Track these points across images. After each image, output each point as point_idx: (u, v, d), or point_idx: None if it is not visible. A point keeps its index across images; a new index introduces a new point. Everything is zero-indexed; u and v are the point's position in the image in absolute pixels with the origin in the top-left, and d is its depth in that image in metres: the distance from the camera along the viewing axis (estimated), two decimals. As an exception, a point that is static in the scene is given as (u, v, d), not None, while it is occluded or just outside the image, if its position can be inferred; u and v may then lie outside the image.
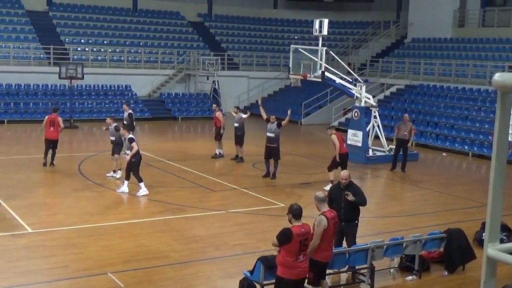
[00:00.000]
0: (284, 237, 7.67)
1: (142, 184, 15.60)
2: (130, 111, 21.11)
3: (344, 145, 17.37)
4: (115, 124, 17.58)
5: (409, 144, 20.28)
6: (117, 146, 17.51)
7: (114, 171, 17.70)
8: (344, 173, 10.46)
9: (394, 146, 21.93)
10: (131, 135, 15.72)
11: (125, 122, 20.69)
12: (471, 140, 25.03)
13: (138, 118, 31.31)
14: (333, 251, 9.34)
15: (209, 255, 11.29)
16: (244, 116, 21.19)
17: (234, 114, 21.27)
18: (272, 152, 18.17)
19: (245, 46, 40.74)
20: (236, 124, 20.91)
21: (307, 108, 33.60)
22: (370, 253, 9.89)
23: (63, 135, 24.58)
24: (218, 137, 21.29)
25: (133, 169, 15.52)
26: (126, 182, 15.76)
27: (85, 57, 33.75)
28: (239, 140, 20.80)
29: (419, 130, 27.16)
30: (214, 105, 22.59)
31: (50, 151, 18.59)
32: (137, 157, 15.48)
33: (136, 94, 33.93)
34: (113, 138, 17.57)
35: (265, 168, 18.50)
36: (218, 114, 21.44)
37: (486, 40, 33.16)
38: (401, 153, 20.23)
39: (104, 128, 18.71)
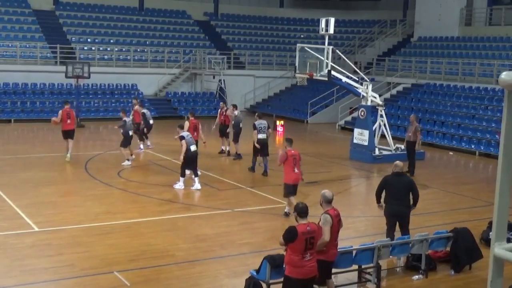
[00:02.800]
0: (289, 235, 7.67)
1: (182, 179, 16.25)
2: (144, 110, 21.95)
3: (195, 133, 18.36)
4: (124, 118, 19.31)
5: (416, 147, 19.51)
6: (124, 139, 19.23)
7: (128, 159, 19.19)
8: (399, 162, 11.25)
9: (400, 145, 22.00)
10: (182, 133, 16.15)
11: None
12: (478, 139, 24.94)
13: (144, 117, 31.38)
14: (340, 249, 9.34)
15: (215, 254, 11.30)
16: (236, 113, 21.62)
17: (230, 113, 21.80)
18: None
19: (251, 45, 40.74)
20: (232, 122, 21.37)
21: (313, 107, 33.57)
22: (377, 252, 9.88)
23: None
24: (228, 134, 21.82)
25: (182, 164, 16.12)
26: (181, 179, 16.37)
27: (91, 56, 33.83)
28: (233, 136, 21.27)
29: (426, 129, 27.11)
30: (222, 104, 22.86)
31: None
32: (187, 154, 15.88)
33: (143, 93, 33.97)
34: (121, 131, 19.32)
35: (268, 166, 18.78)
36: (228, 112, 21.86)
37: (493, 39, 33.04)
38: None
39: (116, 127, 20.24)
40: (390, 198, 10.91)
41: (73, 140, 19.73)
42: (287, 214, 13.73)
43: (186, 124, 18.42)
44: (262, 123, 18.92)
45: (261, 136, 18.67)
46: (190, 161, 16.10)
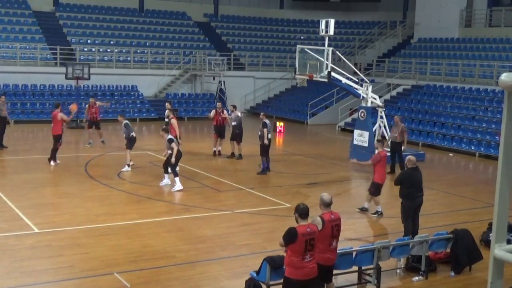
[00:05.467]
0: (289, 236, 7.65)
1: (177, 179, 16.32)
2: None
3: (177, 131, 18.94)
4: (125, 121, 18.70)
5: (403, 147, 19.59)
6: (128, 142, 18.59)
7: (128, 165, 18.70)
8: (413, 157, 12.29)
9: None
10: (170, 136, 16.51)
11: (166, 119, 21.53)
12: (478, 140, 24.94)
13: (144, 118, 31.44)
14: (340, 251, 9.31)
15: (216, 255, 11.30)
16: (239, 114, 21.64)
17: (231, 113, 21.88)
18: None
19: (251, 46, 40.75)
20: (234, 123, 21.37)
21: (313, 108, 33.58)
22: (377, 254, 9.88)
23: (70, 136, 24.66)
24: (224, 135, 21.87)
25: (171, 165, 16.35)
26: (166, 176, 16.70)
27: (91, 58, 33.83)
28: (237, 137, 21.25)
29: (426, 130, 27.12)
30: (219, 104, 22.73)
31: None
32: (177, 154, 16.25)
33: (142, 94, 33.98)
34: (124, 135, 18.84)
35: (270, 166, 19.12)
36: (225, 113, 21.89)
37: (493, 40, 33.05)
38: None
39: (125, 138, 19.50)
40: (414, 191, 11.98)
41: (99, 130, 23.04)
42: (378, 213, 14.41)
43: (174, 122, 19.13)
44: (270, 122, 19.32)
45: (270, 136, 19.09)
46: (177, 161, 16.54)
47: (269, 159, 19.18)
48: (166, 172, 16.65)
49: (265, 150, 18.92)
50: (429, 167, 21.69)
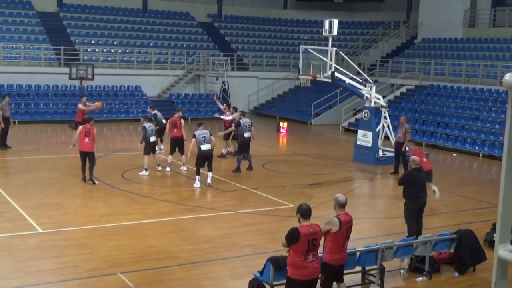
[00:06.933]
0: (292, 236, 7.68)
1: (197, 177, 16.64)
2: (155, 111, 21.60)
3: (174, 130, 18.96)
4: (143, 124, 18.47)
5: (403, 148, 19.21)
6: (146, 146, 18.18)
7: (158, 165, 18.61)
8: (416, 158, 12.26)
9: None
10: (195, 131, 16.77)
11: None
12: (482, 140, 24.89)
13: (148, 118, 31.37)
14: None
15: (219, 256, 11.30)
16: (231, 116, 21.61)
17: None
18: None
19: (254, 46, 40.75)
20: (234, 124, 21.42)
21: (316, 109, 33.56)
22: (380, 254, 9.87)
23: (70, 136, 24.68)
24: (227, 136, 21.63)
25: (195, 162, 16.76)
26: (197, 177, 16.73)
27: (95, 58, 33.86)
28: (237, 138, 21.18)
29: (429, 130, 27.08)
30: (224, 105, 22.88)
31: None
32: (198, 152, 16.56)
33: (146, 94, 34.00)
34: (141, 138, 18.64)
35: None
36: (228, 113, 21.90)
37: (497, 40, 32.98)
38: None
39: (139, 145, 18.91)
40: (417, 192, 11.88)
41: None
42: None
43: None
44: (246, 121, 19.42)
45: (247, 134, 19.19)
46: (202, 160, 16.66)
47: (241, 158, 19.19)
48: (198, 173, 16.75)
49: (240, 149, 19.17)
50: (433, 168, 21.62)
